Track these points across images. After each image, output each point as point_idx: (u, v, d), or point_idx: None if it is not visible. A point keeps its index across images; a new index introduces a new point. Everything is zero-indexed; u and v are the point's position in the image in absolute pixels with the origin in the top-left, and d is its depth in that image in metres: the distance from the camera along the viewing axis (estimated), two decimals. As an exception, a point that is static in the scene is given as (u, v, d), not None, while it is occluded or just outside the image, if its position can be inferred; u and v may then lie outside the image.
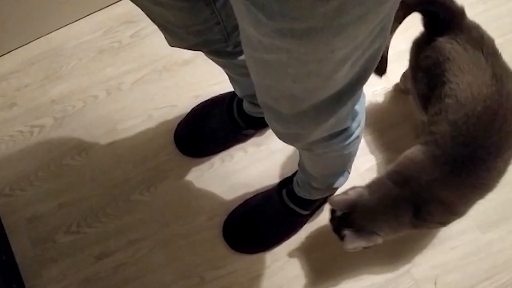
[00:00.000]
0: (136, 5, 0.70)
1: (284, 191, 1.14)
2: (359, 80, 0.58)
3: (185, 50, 1.27)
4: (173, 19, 0.69)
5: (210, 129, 1.23)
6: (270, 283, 1.15)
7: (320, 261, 1.15)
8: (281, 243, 1.17)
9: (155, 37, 1.34)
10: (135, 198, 1.22)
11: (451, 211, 0.93)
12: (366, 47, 0.50)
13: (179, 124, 1.26)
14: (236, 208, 1.19)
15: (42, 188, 1.24)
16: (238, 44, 0.80)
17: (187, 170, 1.24)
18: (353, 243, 0.89)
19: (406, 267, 1.14)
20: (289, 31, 0.42)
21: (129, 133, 1.27)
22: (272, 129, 0.76)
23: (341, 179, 1.04)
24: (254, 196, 1.20)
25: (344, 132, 0.75)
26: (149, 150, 1.26)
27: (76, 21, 1.38)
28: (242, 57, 0.85)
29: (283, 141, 0.77)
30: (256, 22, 0.43)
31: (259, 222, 1.17)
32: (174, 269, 1.17)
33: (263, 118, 1.17)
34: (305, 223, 1.17)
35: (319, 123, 0.65)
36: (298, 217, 1.15)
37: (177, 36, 0.76)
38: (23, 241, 1.20)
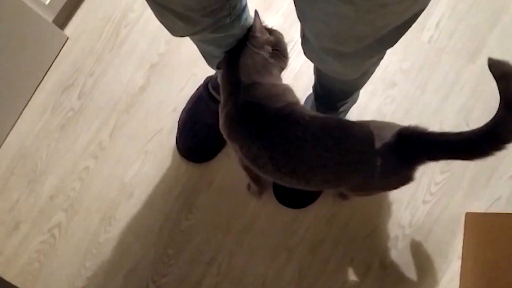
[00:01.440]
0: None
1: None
2: (422, 10, 0.61)
3: (134, 79, 1.28)
4: (194, 3, 0.69)
5: (206, 125, 1.22)
6: (346, 217, 1.19)
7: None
8: None
9: (101, 85, 1.32)
10: (185, 226, 1.21)
11: None
12: None
13: (177, 141, 1.25)
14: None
15: (98, 273, 1.20)
16: (234, 14, 0.82)
17: (212, 174, 1.24)
18: None
19: (437, 126, 1.22)
20: None
21: (139, 178, 1.25)
22: (326, 69, 0.81)
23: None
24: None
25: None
26: (167, 179, 1.25)
27: (19, 116, 1.31)
28: (237, 26, 0.87)
29: (339, 76, 0.83)
30: None
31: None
32: (261, 258, 1.18)
33: None
34: None
35: (381, 51, 0.70)
36: None
37: (191, 22, 0.76)
38: (116, 328, 1.17)
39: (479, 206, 1.16)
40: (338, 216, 1.19)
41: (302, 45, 0.80)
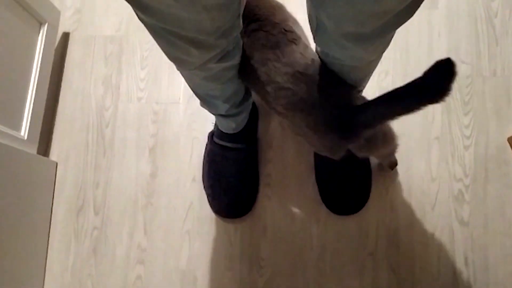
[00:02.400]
0: (167, 28, 0.66)
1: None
2: None
3: (141, 170, 1.26)
4: (209, 24, 0.66)
5: (232, 176, 1.19)
6: (405, 198, 1.18)
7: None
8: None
9: (112, 191, 1.27)
10: (262, 282, 1.15)
11: None
12: None
13: (212, 206, 1.21)
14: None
15: None
16: (237, 37, 0.82)
17: (261, 220, 1.20)
18: None
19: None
20: None
21: (195, 260, 1.19)
22: (346, 56, 0.80)
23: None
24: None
25: None
26: (223, 247, 1.19)
27: (46, 260, 1.23)
28: (238, 54, 0.87)
29: (358, 62, 0.82)
30: None
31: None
32: (350, 275, 1.15)
33: (252, 125, 1.19)
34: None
35: (397, 27, 0.70)
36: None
37: (206, 47, 0.73)
38: None
39: (515, 127, 1.18)
40: (398, 200, 1.18)
41: (315, 36, 0.78)
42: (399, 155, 1.17)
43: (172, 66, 0.81)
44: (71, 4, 1.42)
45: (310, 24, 0.78)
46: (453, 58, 1.22)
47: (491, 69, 1.23)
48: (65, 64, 1.38)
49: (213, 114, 1.13)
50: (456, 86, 1.22)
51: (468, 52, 1.25)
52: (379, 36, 0.72)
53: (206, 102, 1.06)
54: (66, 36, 1.39)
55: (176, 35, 0.69)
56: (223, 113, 1.09)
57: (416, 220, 1.16)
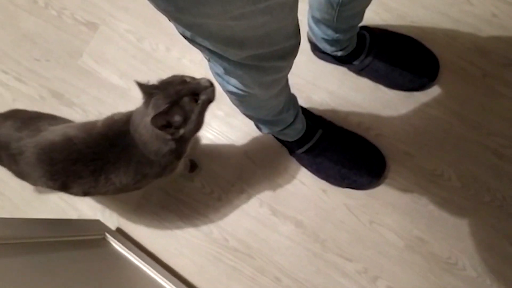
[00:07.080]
0: (260, 52, 0.67)
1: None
2: None
3: (285, 230, 1.31)
4: (292, 24, 0.70)
5: (345, 154, 1.23)
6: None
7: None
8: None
9: (287, 267, 1.22)
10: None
11: None
12: None
13: (362, 187, 1.23)
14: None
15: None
16: None
17: (397, 149, 1.23)
18: None
19: None
20: None
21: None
22: None
23: None
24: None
25: None
26: (412, 198, 1.20)
27: None
28: None
29: None
30: None
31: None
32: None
33: (305, 113, 1.22)
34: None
35: None
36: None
37: (290, 52, 0.75)
38: None
39: None
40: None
41: None
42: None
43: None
44: (91, 209, 1.36)
45: None
46: None
47: None
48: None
49: (281, 131, 1.14)
50: None
51: None
52: None
53: (276, 122, 1.07)
54: (120, 230, 1.33)
55: (266, 56, 0.68)
56: (292, 119, 1.10)
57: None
